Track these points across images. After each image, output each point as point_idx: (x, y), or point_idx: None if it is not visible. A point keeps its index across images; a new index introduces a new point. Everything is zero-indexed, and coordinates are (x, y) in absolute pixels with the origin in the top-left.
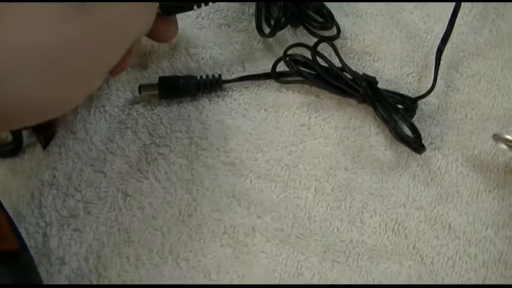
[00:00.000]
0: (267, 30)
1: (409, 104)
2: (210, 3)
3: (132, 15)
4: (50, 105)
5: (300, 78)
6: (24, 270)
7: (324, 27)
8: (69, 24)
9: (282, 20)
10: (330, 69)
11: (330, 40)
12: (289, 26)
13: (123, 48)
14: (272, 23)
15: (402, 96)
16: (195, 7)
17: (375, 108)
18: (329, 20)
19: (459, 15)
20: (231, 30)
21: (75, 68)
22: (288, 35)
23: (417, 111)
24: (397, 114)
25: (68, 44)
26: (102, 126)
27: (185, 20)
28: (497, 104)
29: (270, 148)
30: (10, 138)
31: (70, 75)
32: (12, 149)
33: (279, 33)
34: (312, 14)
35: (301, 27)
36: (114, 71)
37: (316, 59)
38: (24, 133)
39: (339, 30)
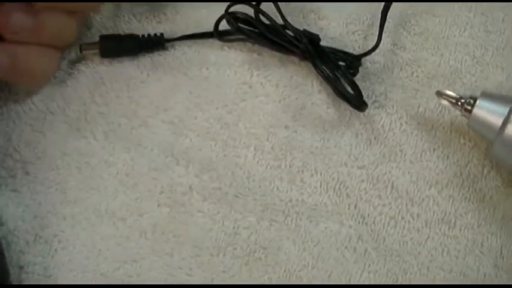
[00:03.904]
0: None
1: (352, 61)
2: None
3: None
4: None
5: (242, 36)
6: None
7: None
8: None
9: None
10: (272, 27)
11: None
12: None
13: None
14: None
15: (345, 53)
16: None
17: (314, 65)
18: None
19: None
20: None
21: None
22: None
23: (362, 70)
24: (338, 71)
25: None
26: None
27: None
28: (444, 62)
29: (210, 107)
30: None
31: None
32: None
33: None
34: None
35: None
36: None
37: (258, 16)
38: None
39: None
